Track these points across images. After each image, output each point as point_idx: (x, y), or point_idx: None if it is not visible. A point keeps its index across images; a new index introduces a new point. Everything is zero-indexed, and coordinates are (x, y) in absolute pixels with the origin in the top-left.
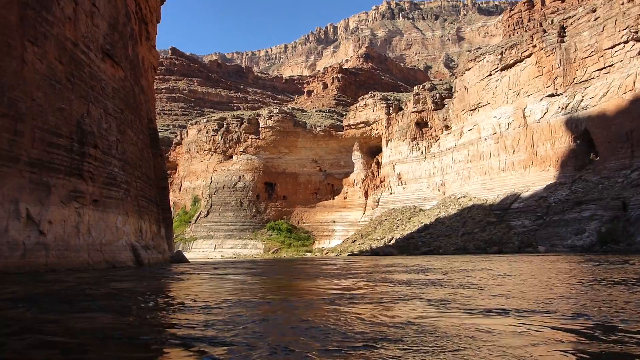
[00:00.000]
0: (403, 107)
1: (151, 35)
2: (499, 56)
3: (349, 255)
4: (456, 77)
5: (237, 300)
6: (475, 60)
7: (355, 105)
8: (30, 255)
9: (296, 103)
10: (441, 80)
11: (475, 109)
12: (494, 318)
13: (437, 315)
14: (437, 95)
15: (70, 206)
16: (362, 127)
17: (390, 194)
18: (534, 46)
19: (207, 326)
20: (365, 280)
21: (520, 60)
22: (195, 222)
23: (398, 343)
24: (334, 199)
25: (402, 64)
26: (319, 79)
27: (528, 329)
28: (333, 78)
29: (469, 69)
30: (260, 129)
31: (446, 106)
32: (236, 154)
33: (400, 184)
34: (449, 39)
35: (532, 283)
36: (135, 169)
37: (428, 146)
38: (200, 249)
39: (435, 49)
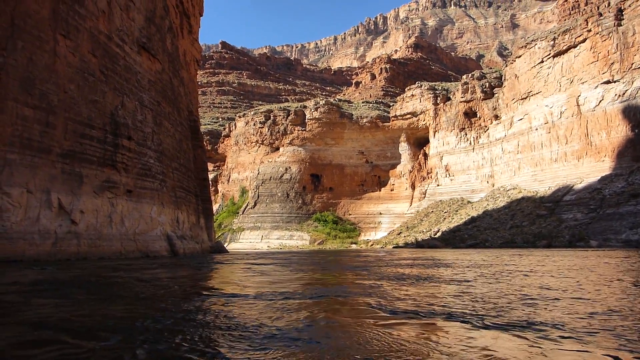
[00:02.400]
0: (451, 97)
1: (194, 29)
2: (552, 42)
3: (393, 247)
4: (506, 65)
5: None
6: (526, 47)
7: (402, 95)
8: (62, 243)
9: (344, 94)
10: (491, 68)
11: (526, 98)
12: (395, 321)
13: (348, 317)
14: (487, 84)
15: (103, 196)
16: (409, 118)
17: (438, 185)
18: (589, 31)
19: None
20: (373, 275)
21: (574, 46)
22: (242, 213)
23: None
24: (380, 190)
25: (453, 53)
26: (367, 70)
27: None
28: (381, 69)
29: (520, 57)
30: (306, 120)
31: (496, 95)
32: (283, 145)
33: (447, 175)
34: (502, 27)
35: (529, 282)
36: (173, 160)
37: (477, 137)
38: (248, 240)
39: (488, 37)
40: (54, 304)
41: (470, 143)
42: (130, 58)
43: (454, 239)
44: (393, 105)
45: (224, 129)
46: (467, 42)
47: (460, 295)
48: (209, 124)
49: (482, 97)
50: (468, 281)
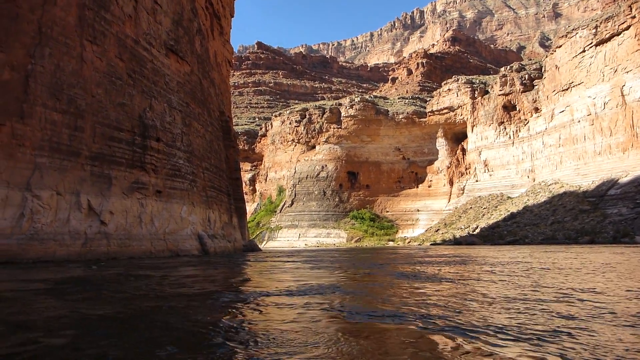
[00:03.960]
0: (489, 90)
1: (225, 30)
2: (593, 30)
3: (431, 244)
4: (546, 56)
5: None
6: (566, 36)
7: (438, 90)
8: (92, 244)
9: (380, 91)
10: (530, 59)
11: (567, 89)
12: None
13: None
14: (526, 76)
15: (132, 197)
16: (446, 113)
17: (476, 181)
18: (633, 17)
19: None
20: (385, 273)
21: (618, 34)
22: (280, 211)
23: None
24: (417, 187)
25: (492, 46)
26: (403, 66)
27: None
28: (417, 64)
29: (560, 47)
30: (342, 118)
31: (536, 87)
32: (319, 144)
33: (486, 170)
34: (544, 17)
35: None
36: (203, 161)
37: (516, 130)
38: (285, 238)
39: (529, 27)
40: (49, 304)
41: (510, 137)
42: (158, 61)
43: (493, 235)
44: (429, 100)
45: (261, 128)
46: (508, 34)
47: (441, 296)
48: (246, 124)
49: (521, 90)
50: (467, 280)
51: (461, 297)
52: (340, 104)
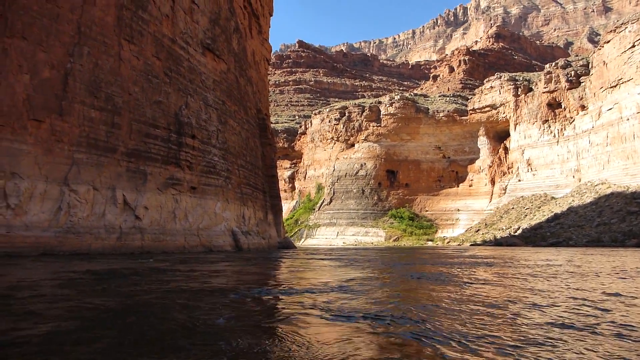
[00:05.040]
0: (533, 87)
1: (263, 29)
2: None
3: (471, 245)
4: (594, 52)
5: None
6: (615, 31)
7: (480, 88)
8: (126, 238)
9: (421, 89)
10: (577, 55)
11: (615, 86)
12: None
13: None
14: (572, 72)
15: (166, 193)
16: (488, 111)
17: (519, 180)
18: None
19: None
20: (402, 272)
21: None
22: (318, 209)
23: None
24: (458, 186)
25: (538, 42)
26: (445, 63)
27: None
28: (460, 61)
29: (608, 42)
30: (381, 116)
31: (582, 84)
32: (358, 142)
33: (529, 170)
34: (593, 11)
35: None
36: (238, 158)
37: (561, 129)
38: (324, 236)
39: (577, 22)
40: (58, 294)
41: (554, 135)
42: (195, 59)
43: (535, 236)
44: (471, 98)
45: (300, 126)
46: (554, 30)
47: (414, 298)
48: (285, 122)
49: (567, 87)
50: (470, 283)
51: (447, 301)
52: (379, 102)
